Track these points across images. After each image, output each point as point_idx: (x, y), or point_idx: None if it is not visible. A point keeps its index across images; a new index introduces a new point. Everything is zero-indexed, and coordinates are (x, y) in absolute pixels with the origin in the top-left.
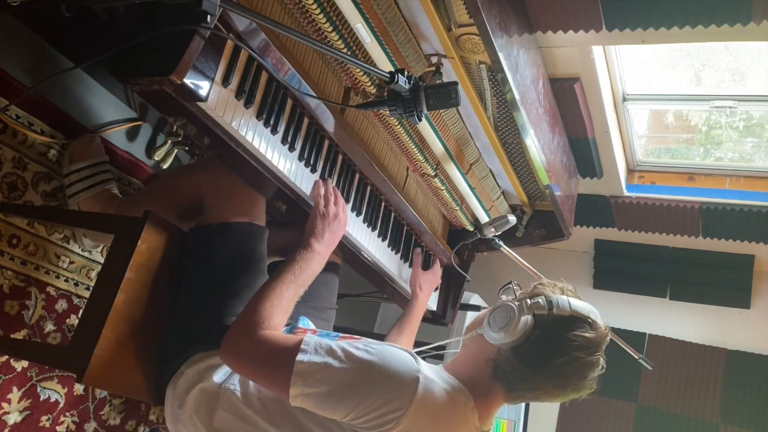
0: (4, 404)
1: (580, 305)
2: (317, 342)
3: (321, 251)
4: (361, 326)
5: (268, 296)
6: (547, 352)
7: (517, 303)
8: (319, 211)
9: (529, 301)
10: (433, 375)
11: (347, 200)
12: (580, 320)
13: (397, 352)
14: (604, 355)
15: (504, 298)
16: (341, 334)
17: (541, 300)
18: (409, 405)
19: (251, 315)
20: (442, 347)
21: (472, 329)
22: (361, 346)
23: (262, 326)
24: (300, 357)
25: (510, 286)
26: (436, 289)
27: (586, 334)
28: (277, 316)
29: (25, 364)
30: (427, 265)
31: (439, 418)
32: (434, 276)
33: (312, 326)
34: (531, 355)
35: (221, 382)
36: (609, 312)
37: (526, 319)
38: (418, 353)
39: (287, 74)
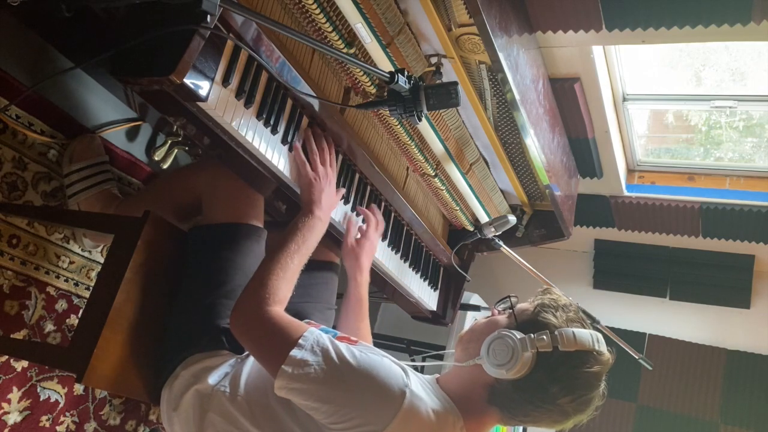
0: (4, 404)
1: (585, 337)
2: (316, 339)
3: (322, 216)
4: (339, 314)
5: (273, 269)
6: (551, 391)
7: (519, 337)
8: (309, 176)
9: (533, 336)
10: (423, 392)
11: (347, 200)
12: (584, 354)
13: (389, 364)
14: (606, 382)
15: (500, 309)
16: (340, 334)
17: (545, 336)
18: (391, 420)
19: (258, 289)
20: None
21: (466, 344)
22: (357, 353)
23: (268, 301)
24: (294, 352)
25: (508, 300)
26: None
27: (591, 370)
28: (282, 288)
29: (25, 364)
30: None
31: None
32: (370, 244)
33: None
34: (532, 392)
35: (215, 384)
36: (609, 312)
37: (529, 355)
38: (417, 355)
39: (287, 74)
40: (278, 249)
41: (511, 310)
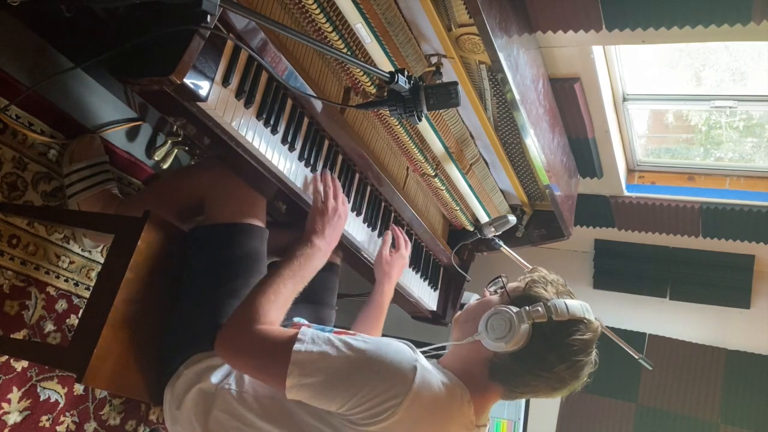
0: (4, 404)
1: (576, 306)
2: (314, 333)
3: (323, 247)
4: (356, 318)
5: (264, 292)
6: (547, 359)
7: (515, 311)
8: (318, 206)
9: (528, 308)
10: (430, 367)
11: (347, 200)
12: (576, 322)
13: (394, 343)
14: (598, 352)
15: (492, 290)
16: (336, 329)
17: (540, 308)
18: (406, 395)
19: (247, 310)
20: (441, 348)
21: (463, 324)
22: (359, 337)
23: (257, 321)
24: (297, 347)
25: (499, 279)
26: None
27: (584, 337)
28: (273, 311)
29: (25, 364)
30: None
31: (435, 409)
32: (402, 259)
33: (305, 323)
34: (531, 362)
35: (218, 383)
36: (609, 312)
37: (526, 327)
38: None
39: (287, 74)
40: (272, 274)
41: (503, 289)
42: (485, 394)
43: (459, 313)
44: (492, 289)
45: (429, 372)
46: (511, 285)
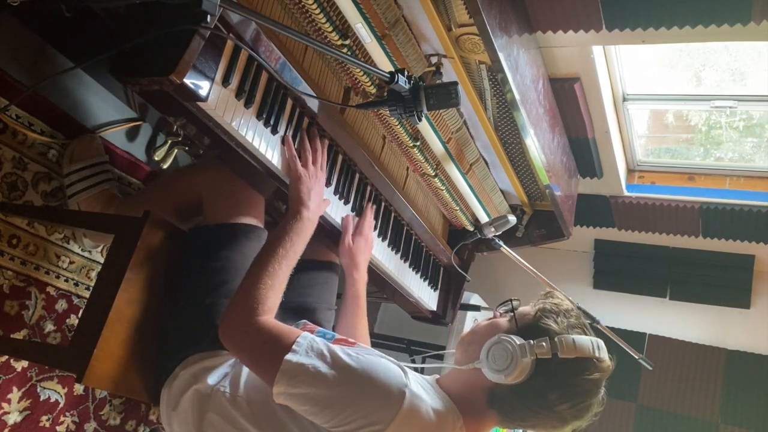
0: (4, 404)
1: (585, 344)
2: (310, 343)
3: (311, 217)
4: (339, 313)
5: (261, 276)
6: (549, 397)
7: (518, 343)
8: (298, 171)
9: (533, 342)
10: (422, 392)
11: (347, 200)
12: (584, 361)
13: (387, 364)
14: (606, 387)
15: (501, 311)
16: (338, 336)
17: (545, 343)
18: (391, 420)
19: (245, 300)
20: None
21: (467, 346)
22: (353, 354)
23: (256, 311)
24: (289, 356)
25: (509, 303)
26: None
27: (591, 377)
28: (271, 297)
29: (25, 364)
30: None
31: None
32: (366, 242)
33: (311, 325)
34: (530, 398)
35: (214, 384)
36: (609, 312)
37: (528, 361)
38: (417, 355)
39: (287, 74)
40: (265, 254)
41: (512, 314)
42: (481, 420)
43: (465, 333)
44: (502, 310)
45: (419, 398)
46: (522, 310)
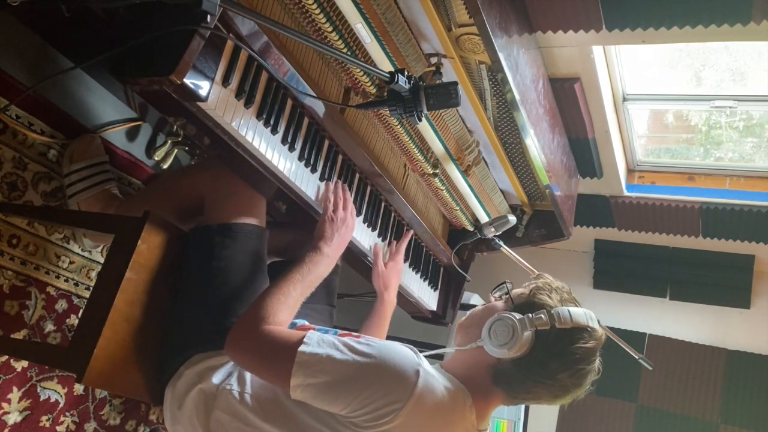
0: (4, 404)
1: (580, 314)
2: (320, 336)
3: (330, 254)
4: (361, 326)
5: (274, 294)
6: (550, 366)
7: (518, 317)
8: (328, 215)
9: (531, 315)
10: (434, 371)
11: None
12: (580, 330)
13: (398, 346)
14: (601, 357)
15: (497, 296)
16: (340, 330)
17: (543, 315)
18: (408, 398)
19: (257, 311)
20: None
21: (467, 329)
22: (363, 341)
23: (266, 321)
24: (302, 348)
25: (504, 285)
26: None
27: (587, 345)
28: (282, 312)
29: (25, 364)
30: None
31: (437, 413)
32: (397, 268)
33: (308, 325)
34: (533, 370)
35: (219, 383)
36: (609, 312)
37: (528, 334)
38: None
39: (287, 74)
40: (282, 278)
41: (507, 295)
42: (487, 399)
43: (463, 317)
44: (497, 294)
45: (432, 376)
46: (516, 291)
